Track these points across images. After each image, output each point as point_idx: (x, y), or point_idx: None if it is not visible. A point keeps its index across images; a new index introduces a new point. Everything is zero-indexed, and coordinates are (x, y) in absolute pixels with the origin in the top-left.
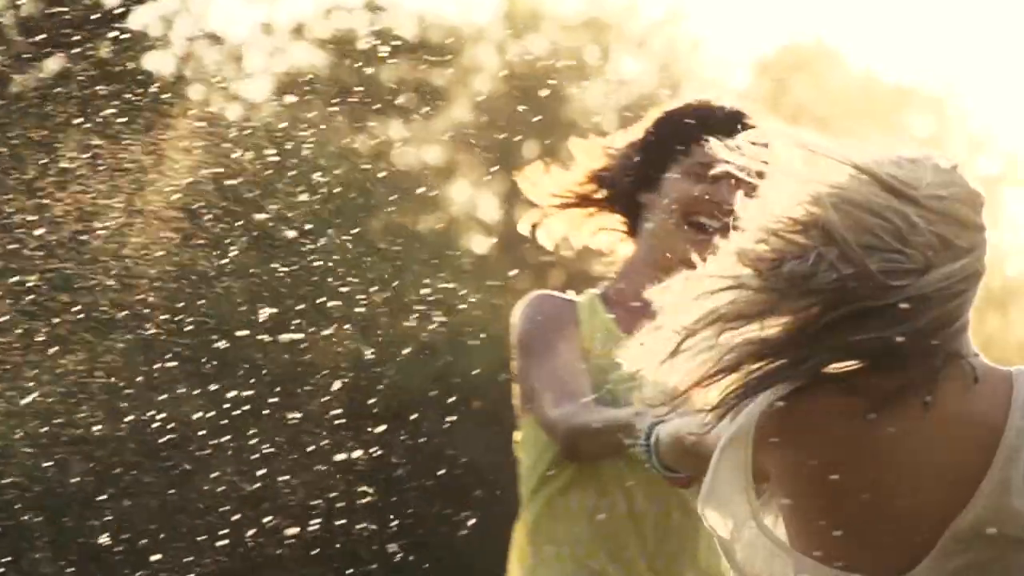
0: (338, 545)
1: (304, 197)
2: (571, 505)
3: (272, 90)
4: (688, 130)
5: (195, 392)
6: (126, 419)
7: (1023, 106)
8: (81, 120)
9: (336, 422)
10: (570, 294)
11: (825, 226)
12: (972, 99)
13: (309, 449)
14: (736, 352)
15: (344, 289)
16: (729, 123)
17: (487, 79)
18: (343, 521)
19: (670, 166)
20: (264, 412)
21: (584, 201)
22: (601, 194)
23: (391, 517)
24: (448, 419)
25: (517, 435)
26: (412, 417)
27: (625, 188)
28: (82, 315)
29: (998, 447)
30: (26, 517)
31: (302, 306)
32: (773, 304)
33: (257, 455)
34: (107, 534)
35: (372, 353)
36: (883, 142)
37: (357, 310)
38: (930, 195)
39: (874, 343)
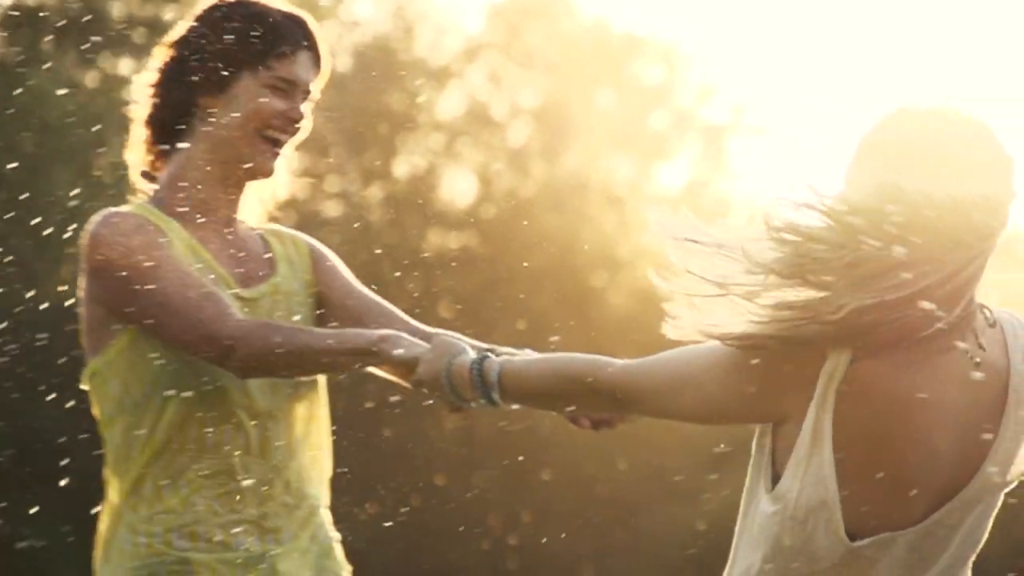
0: None
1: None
2: (187, 438)
3: None
4: (250, 36)
5: None
6: None
7: (750, 55)
8: None
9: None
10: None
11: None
12: (700, 48)
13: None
14: (784, 321)
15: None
16: (292, 30)
17: None
18: None
19: (240, 73)
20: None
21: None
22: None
23: None
24: None
25: (87, 375)
26: None
27: (178, 90)
28: None
29: (1008, 390)
30: None
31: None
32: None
33: None
34: None
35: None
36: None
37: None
38: (997, 191)
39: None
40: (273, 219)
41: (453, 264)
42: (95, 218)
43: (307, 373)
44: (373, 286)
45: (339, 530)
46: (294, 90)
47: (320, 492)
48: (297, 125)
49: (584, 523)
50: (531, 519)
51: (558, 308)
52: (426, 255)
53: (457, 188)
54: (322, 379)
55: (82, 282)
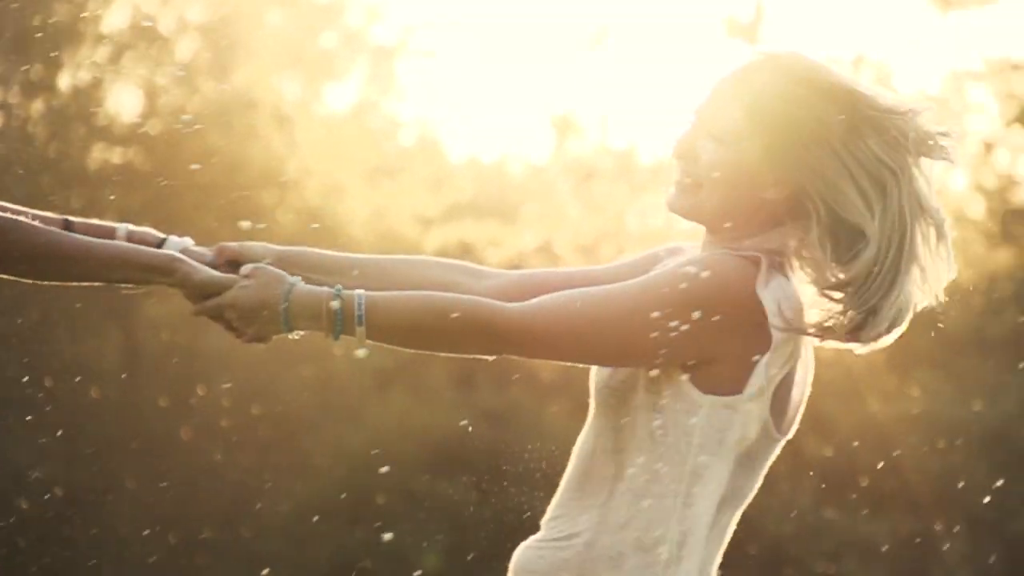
0: None
1: None
2: None
3: None
4: None
5: None
6: None
7: None
8: None
9: None
10: None
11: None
12: None
13: None
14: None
15: None
16: None
17: None
18: None
19: None
20: None
21: None
22: None
23: None
24: None
25: None
26: None
27: None
28: None
29: None
30: None
31: None
32: None
33: None
34: None
35: None
36: None
37: None
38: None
39: None
40: None
41: (117, 179)
42: None
43: (68, 280)
44: (35, 201)
45: (3, 445)
46: None
47: None
48: None
49: (251, 441)
50: (193, 436)
51: (224, 225)
52: (90, 170)
53: (122, 103)
54: None
55: None
